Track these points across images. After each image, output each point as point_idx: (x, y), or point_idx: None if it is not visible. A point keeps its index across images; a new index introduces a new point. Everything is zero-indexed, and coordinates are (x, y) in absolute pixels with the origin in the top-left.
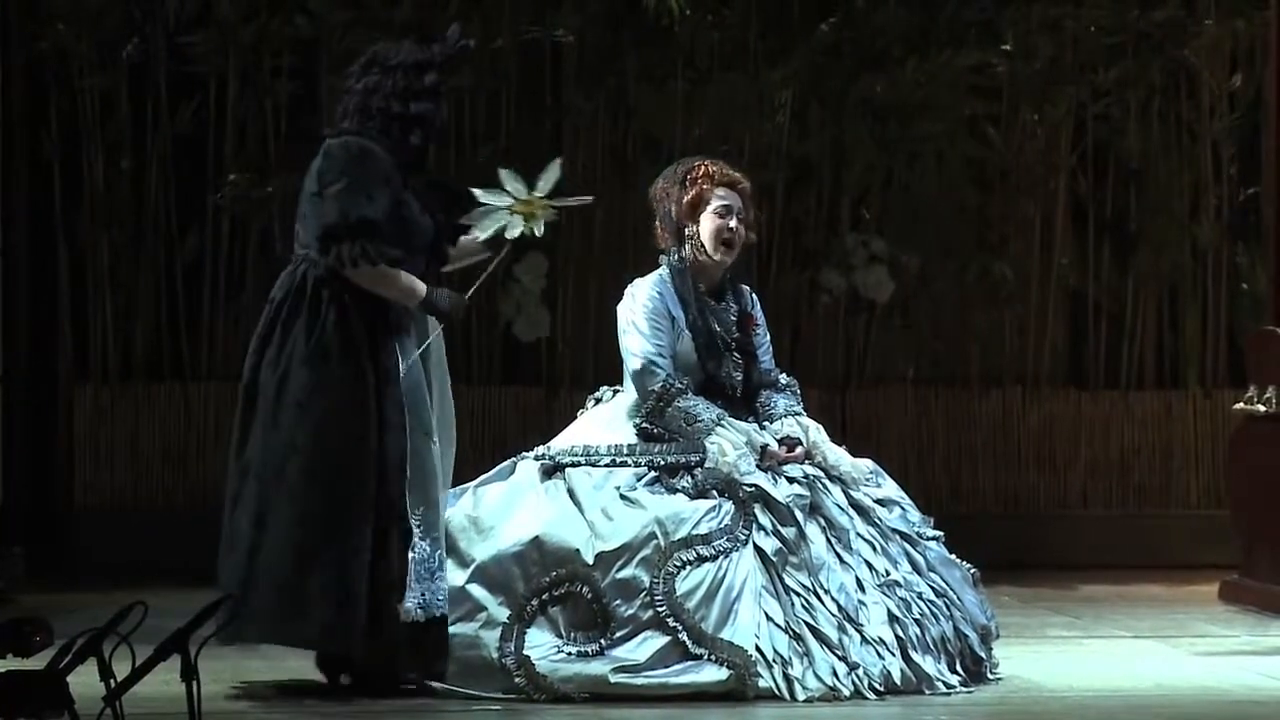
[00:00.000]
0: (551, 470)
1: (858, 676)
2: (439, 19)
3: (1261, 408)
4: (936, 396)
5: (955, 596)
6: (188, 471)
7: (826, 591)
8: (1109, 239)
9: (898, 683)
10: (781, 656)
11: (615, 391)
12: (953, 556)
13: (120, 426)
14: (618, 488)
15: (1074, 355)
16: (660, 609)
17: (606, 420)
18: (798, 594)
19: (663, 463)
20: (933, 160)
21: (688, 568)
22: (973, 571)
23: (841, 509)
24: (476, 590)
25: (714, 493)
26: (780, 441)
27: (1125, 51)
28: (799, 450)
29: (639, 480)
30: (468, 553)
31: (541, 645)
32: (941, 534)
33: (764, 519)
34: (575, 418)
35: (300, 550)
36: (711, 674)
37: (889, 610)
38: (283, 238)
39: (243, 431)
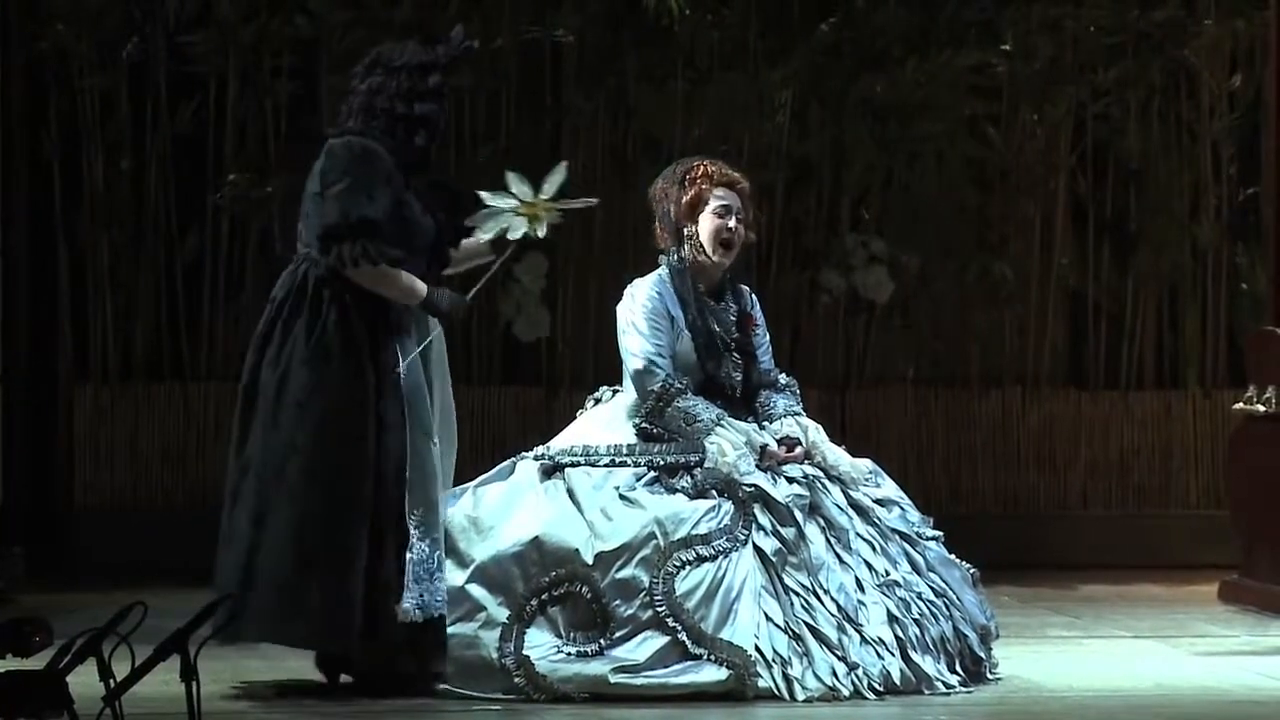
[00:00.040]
0: (551, 470)
1: (857, 676)
2: (439, 19)
3: (1261, 408)
4: (936, 397)
5: (955, 596)
6: (187, 471)
7: (826, 591)
8: (1109, 239)
9: (897, 683)
10: (781, 656)
11: (615, 391)
12: (952, 556)
13: (120, 426)
14: (617, 488)
15: (1074, 355)
16: (660, 609)
17: (606, 420)
18: (797, 594)
19: (662, 463)
20: (933, 160)
21: (687, 568)
22: (972, 571)
23: (841, 509)
24: (476, 590)
25: (713, 493)
26: (780, 441)
27: (1125, 51)
28: (798, 450)
29: (638, 480)
30: (467, 553)
31: (541, 645)
32: (941, 534)
33: (763, 519)
34: (575, 418)
35: (300, 550)
36: (711, 674)
37: (888, 610)
38: (283, 238)
39: (242, 431)
